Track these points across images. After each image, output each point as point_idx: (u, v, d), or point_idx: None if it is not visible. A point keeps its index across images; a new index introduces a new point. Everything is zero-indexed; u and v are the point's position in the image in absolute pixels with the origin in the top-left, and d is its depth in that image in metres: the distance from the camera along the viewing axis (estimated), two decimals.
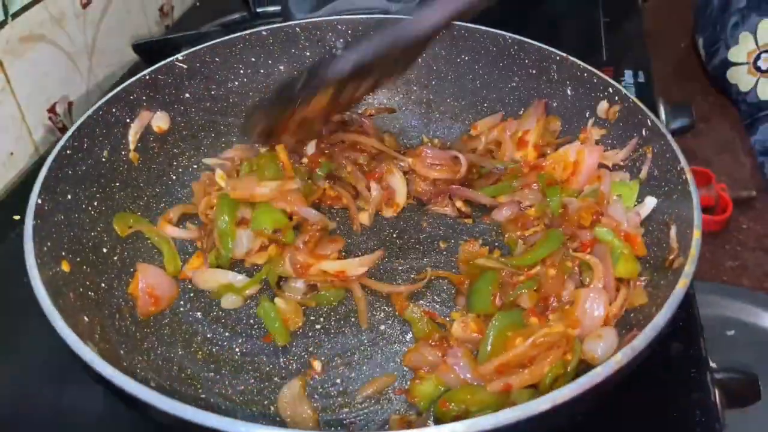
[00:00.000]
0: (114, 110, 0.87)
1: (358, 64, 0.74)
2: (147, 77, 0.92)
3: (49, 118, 1.06)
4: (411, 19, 0.73)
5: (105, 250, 0.82)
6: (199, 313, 0.82)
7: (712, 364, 0.76)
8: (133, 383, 0.53)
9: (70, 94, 1.09)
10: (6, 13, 0.93)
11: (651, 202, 0.82)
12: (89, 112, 0.84)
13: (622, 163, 0.88)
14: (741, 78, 1.62)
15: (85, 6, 1.11)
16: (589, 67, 0.92)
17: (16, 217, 0.93)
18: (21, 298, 0.79)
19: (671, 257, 0.71)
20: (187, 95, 0.98)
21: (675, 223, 0.74)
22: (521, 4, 1.02)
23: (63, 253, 0.73)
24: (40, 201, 0.71)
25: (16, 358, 0.76)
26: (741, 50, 1.60)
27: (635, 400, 0.71)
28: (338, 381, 0.74)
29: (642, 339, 0.55)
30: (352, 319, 0.80)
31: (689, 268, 0.62)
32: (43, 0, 1.00)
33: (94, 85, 1.16)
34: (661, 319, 0.57)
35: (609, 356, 0.54)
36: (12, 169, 0.98)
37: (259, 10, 1.37)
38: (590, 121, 0.93)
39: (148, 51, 1.22)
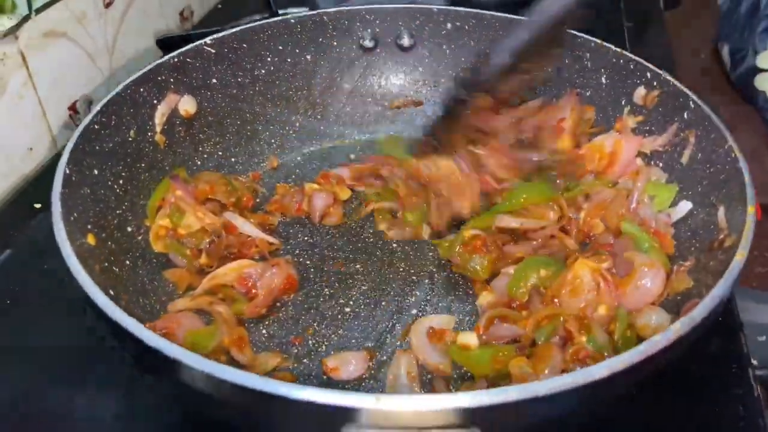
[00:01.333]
0: (142, 90, 0.86)
1: (515, 51, 0.75)
2: (175, 59, 0.91)
3: (69, 116, 1.05)
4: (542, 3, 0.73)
5: (130, 229, 0.80)
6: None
7: (753, 362, 0.73)
8: (164, 341, 0.51)
9: (91, 92, 1.08)
10: (30, 7, 0.93)
11: (685, 206, 0.79)
12: (117, 89, 0.82)
13: (660, 149, 0.85)
14: None
15: (107, 6, 1.10)
16: (626, 53, 0.90)
17: (37, 206, 0.91)
18: (38, 288, 0.78)
19: (721, 237, 0.68)
20: (214, 80, 0.97)
21: (723, 204, 0.71)
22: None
23: (89, 227, 0.71)
24: (68, 171, 0.70)
25: (30, 356, 0.72)
26: None
27: (677, 396, 0.67)
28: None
29: (701, 308, 0.52)
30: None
31: (745, 241, 0.59)
32: None
33: (114, 85, 1.15)
34: (719, 290, 0.54)
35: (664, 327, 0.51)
36: (30, 164, 0.97)
37: (280, 11, 1.37)
38: (626, 110, 0.91)
39: (172, 46, 1.21)
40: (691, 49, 1.99)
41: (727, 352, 0.72)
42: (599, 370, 0.47)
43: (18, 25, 0.91)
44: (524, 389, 0.46)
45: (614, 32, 1.28)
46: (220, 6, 1.53)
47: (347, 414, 0.46)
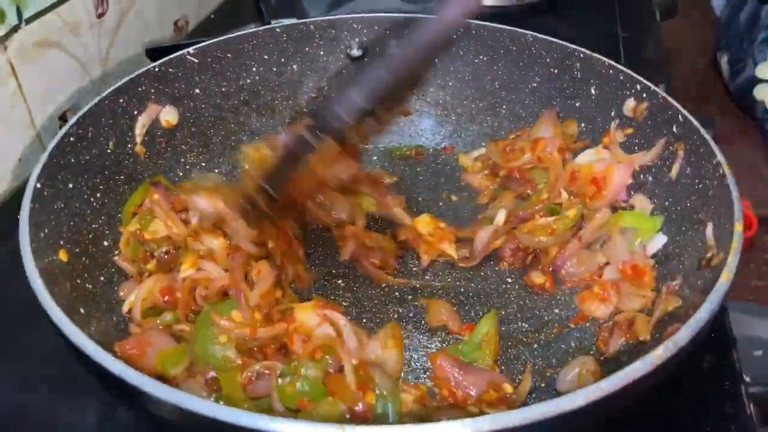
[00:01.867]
0: (121, 101, 0.84)
1: (373, 96, 0.63)
2: (156, 69, 0.89)
3: (60, 127, 1.03)
4: (427, 20, 0.62)
5: (106, 244, 0.78)
6: None
7: (746, 378, 0.71)
8: (134, 373, 0.49)
9: (82, 103, 1.06)
10: (20, 17, 0.91)
11: (661, 239, 0.78)
12: (95, 100, 0.81)
13: (650, 164, 0.84)
14: None
15: (100, 16, 1.09)
16: (616, 64, 0.88)
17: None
18: (21, 301, 0.75)
19: (708, 255, 0.66)
20: (197, 91, 0.95)
21: (711, 221, 0.69)
22: (537, 19, 0.99)
23: (61, 242, 0.69)
24: (39, 185, 0.68)
25: (11, 367, 0.71)
26: None
27: (668, 413, 0.66)
28: None
29: (685, 333, 0.50)
30: None
31: (732, 260, 0.58)
32: (58, 7, 0.98)
33: None
34: (704, 312, 0.52)
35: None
36: (20, 176, 0.95)
37: (273, 22, 1.35)
38: (614, 123, 0.89)
39: (161, 56, 1.20)
40: (689, 60, 1.97)
41: (720, 368, 0.71)
42: (575, 400, 0.45)
43: (7, 35, 0.89)
44: (496, 419, 0.44)
45: (609, 42, 1.27)
46: (213, 16, 1.51)
47: None
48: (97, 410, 0.67)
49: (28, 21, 0.93)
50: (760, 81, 1.63)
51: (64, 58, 1.02)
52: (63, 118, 1.03)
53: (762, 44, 1.59)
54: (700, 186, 0.74)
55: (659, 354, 0.48)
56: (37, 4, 0.94)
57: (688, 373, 0.69)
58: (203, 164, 0.96)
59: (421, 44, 0.61)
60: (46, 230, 0.66)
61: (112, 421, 0.67)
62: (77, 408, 0.67)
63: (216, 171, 0.97)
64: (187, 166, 0.94)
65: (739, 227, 0.61)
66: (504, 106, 1.03)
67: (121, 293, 0.74)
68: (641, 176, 0.85)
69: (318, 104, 0.67)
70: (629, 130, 0.87)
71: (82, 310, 0.65)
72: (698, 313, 0.52)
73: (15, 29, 0.91)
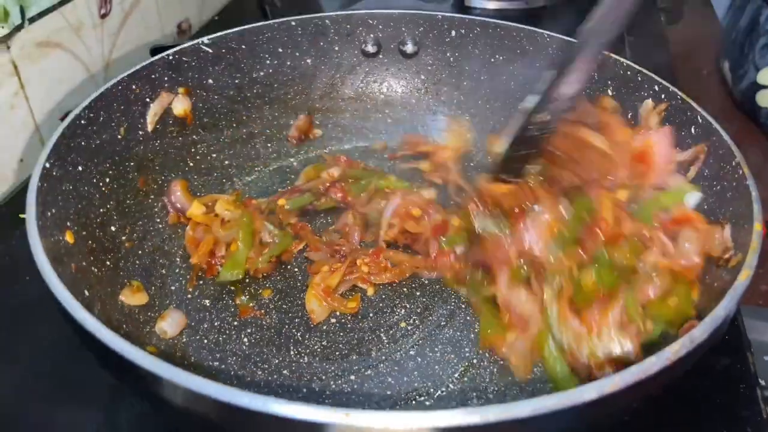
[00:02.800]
0: (134, 87, 0.84)
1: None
2: (170, 57, 0.89)
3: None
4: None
5: (113, 229, 0.77)
6: (207, 301, 0.77)
7: (761, 381, 0.70)
8: (136, 351, 0.48)
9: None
10: (23, 17, 0.91)
11: (695, 196, 0.75)
12: (107, 85, 0.80)
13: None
14: None
15: (103, 17, 1.08)
16: (633, 65, 0.87)
17: (22, 216, 0.89)
18: (21, 300, 0.75)
19: (726, 256, 0.65)
20: (211, 81, 0.95)
21: (729, 222, 0.68)
22: (542, 23, 0.98)
23: (68, 224, 0.68)
24: (48, 165, 0.67)
25: (11, 368, 0.69)
26: None
27: (681, 416, 0.64)
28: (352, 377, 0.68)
29: (702, 329, 0.49)
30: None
31: (751, 259, 0.56)
32: (61, 7, 0.98)
33: None
34: (722, 310, 0.51)
35: None
36: (22, 176, 0.95)
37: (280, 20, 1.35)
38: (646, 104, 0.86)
39: None
40: (693, 65, 1.95)
41: (735, 371, 0.70)
42: (588, 392, 0.44)
43: (10, 35, 0.89)
44: (504, 410, 0.43)
45: (616, 45, 1.25)
46: (217, 18, 1.51)
47: (315, 429, 0.43)
48: (96, 415, 0.66)
49: (32, 21, 0.93)
50: (762, 87, 1.61)
51: (66, 59, 1.02)
52: (65, 119, 1.02)
53: (762, 50, 1.57)
54: (718, 187, 0.72)
55: (675, 349, 0.47)
56: (40, 4, 0.93)
57: (702, 376, 0.67)
58: (213, 155, 0.95)
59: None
60: (53, 210, 0.66)
61: (111, 424, 0.66)
62: (76, 412, 0.66)
63: (226, 162, 0.96)
64: (198, 156, 0.93)
65: (758, 227, 0.59)
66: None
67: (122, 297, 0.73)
68: None
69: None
70: (663, 105, 0.83)
71: (86, 293, 0.64)
72: (716, 310, 0.50)
73: (18, 29, 0.90)
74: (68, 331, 0.53)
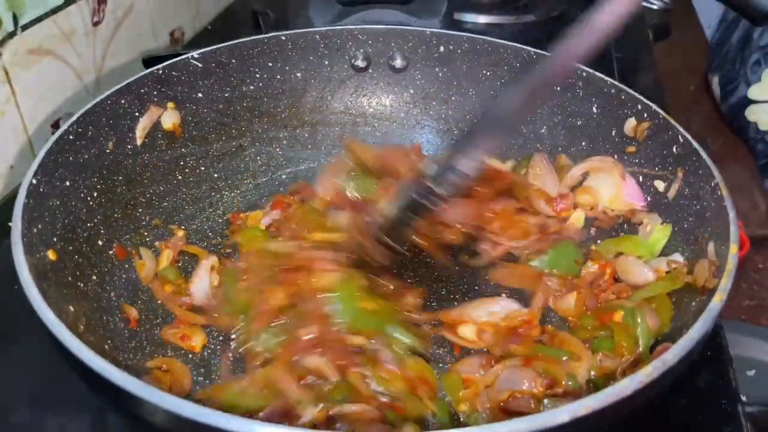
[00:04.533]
0: (123, 101, 0.85)
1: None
2: (159, 71, 0.89)
3: (53, 134, 1.03)
4: None
5: (100, 243, 0.78)
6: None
7: (743, 397, 0.71)
8: (117, 372, 0.48)
9: (75, 111, 1.06)
10: (16, 24, 0.91)
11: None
12: (96, 99, 0.81)
13: (648, 183, 0.83)
14: (761, 116, 1.57)
15: (95, 24, 1.09)
16: (617, 83, 0.88)
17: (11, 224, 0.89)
18: (9, 308, 0.74)
19: (710, 286, 0.66)
20: (200, 95, 0.95)
21: (711, 240, 0.69)
22: (530, 37, 1.00)
23: (54, 240, 0.69)
24: (35, 181, 0.68)
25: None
26: (763, 88, 1.56)
27: None
28: None
29: (674, 352, 0.49)
30: None
31: (725, 283, 0.57)
32: (54, 14, 0.98)
33: None
34: (695, 332, 0.52)
35: None
36: (11, 183, 0.95)
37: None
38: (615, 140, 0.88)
39: (158, 64, 1.20)
40: (681, 81, 1.98)
41: (716, 387, 0.70)
42: (560, 415, 0.44)
43: (2, 42, 0.89)
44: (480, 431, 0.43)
45: (604, 62, 1.27)
46: (210, 27, 1.52)
47: None
48: (85, 424, 0.67)
49: (24, 28, 0.93)
50: (752, 102, 1.63)
51: (58, 66, 1.02)
52: (56, 126, 1.03)
53: (754, 66, 1.59)
54: (698, 207, 0.73)
55: (648, 372, 0.48)
56: (33, 11, 0.94)
57: (684, 392, 0.68)
58: (202, 168, 0.96)
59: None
60: (39, 226, 0.66)
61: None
62: (65, 422, 0.67)
63: (215, 176, 0.97)
64: (187, 170, 0.94)
65: (734, 249, 0.61)
66: None
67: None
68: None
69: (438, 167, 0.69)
70: (646, 124, 0.85)
71: (71, 308, 0.65)
72: (690, 333, 0.51)
73: (11, 35, 0.91)
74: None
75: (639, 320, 0.67)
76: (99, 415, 0.67)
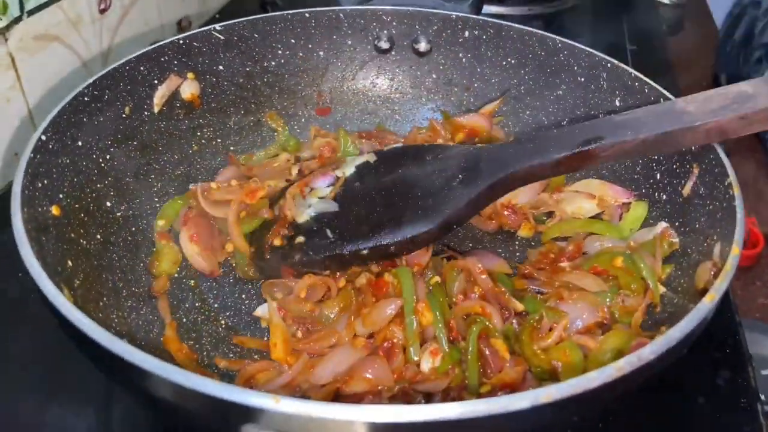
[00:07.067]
0: (142, 68, 0.86)
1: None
2: (181, 42, 0.91)
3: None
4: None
5: (108, 204, 0.79)
6: (192, 281, 0.79)
7: (762, 396, 0.69)
8: (107, 335, 0.49)
9: None
10: (22, 9, 0.91)
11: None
12: (115, 65, 0.83)
13: (666, 181, 0.80)
14: None
15: (102, 12, 1.08)
16: (642, 77, 0.85)
17: None
18: (10, 297, 0.77)
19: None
20: (221, 67, 0.96)
21: (719, 242, 0.66)
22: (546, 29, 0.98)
23: (60, 196, 0.70)
24: (44, 138, 0.70)
25: (3, 366, 0.72)
26: None
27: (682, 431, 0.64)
28: None
29: (650, 349, 0.47)
30: None
31: (720, 283, 0.54)
32: (60, 1, 0.98)
33: None
34: (677, 331, 0.49)
35: None
36: (16, 170, 0.96)
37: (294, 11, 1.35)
38: None
39: None
40: (693, 76, 1.93)
41: (735, 386, 0.69)
42: (519, 401, 0.43)
43: (8, 27, 0.89)
44: (433, 410, 0.43)
45: (618, 54, 1.23)
46: (217, 16, 1.51)
47: (247, 413, 0.44)
48: (88, 416, 0.68)
49: (30, 13, 0.92)
50: None
51: (64, 53, 1.02)
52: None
53: (757, 64, 1.54)
54: (711, 207, 0.70)
55: (619, 366, 0.46)
56: None
57: (703, 391, 0.68)
58: (219, 140, 0.97)
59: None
60: (45, 181, 0.68)
61: (103, 424, 0.68)
62: (68, 411, 0.68)
63: (231, 149, 0.98)
64: (203, 141, 0.95)
65: (736, 250, 0.58)
66: (527, 112, 1.01)
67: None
68: (655, 194, 0.82)
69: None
70: None
71: (69, 263, 0.67)
72: (671, 331, 0.49)
73: (17, 21, 0.90)
74: (62, 328, 0.53)
75: (641, 264, 0.71)
76: (102, 403, 0.69)
